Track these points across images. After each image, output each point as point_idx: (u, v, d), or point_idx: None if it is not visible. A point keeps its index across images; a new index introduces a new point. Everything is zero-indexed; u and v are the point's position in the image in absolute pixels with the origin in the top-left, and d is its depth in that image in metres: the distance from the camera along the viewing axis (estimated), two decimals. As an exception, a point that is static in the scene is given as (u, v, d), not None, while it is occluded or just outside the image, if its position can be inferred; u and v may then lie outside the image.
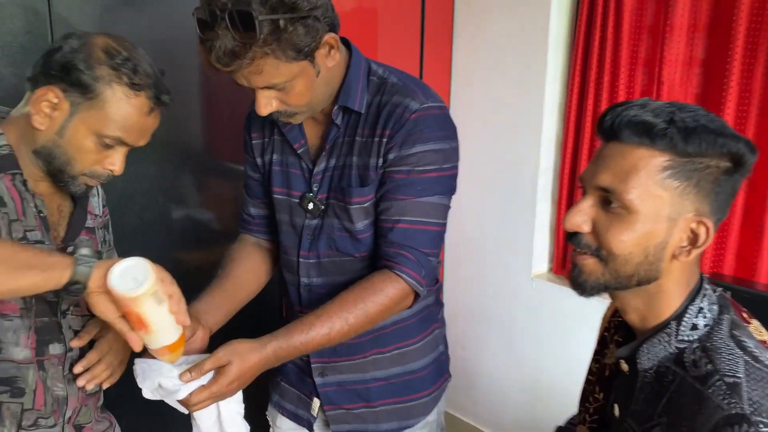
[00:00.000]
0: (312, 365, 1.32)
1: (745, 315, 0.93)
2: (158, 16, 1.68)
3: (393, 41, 2.25)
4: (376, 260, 1.20)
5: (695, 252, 0.85)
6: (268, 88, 1.06)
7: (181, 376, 1.02)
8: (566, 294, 2.22)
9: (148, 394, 1.05)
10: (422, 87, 1.19)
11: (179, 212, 1.82)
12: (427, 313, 1.35)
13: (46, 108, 0.97)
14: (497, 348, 2.49)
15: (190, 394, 1.02)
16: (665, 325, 0.87)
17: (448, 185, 1.20)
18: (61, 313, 1.09)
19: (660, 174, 0.81)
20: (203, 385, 1.03)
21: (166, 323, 0.95)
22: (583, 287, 0.89)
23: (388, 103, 1.16)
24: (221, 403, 1.08)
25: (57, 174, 1.02)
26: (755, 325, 0.92)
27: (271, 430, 1.49)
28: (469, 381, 2.63)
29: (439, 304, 1.40)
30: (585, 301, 2.36)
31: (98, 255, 1.15)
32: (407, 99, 1.15)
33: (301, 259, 1.27)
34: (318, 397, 1.34)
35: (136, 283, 0.88)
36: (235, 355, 1.05)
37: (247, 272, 1.33)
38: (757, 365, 0.80)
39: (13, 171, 1.00)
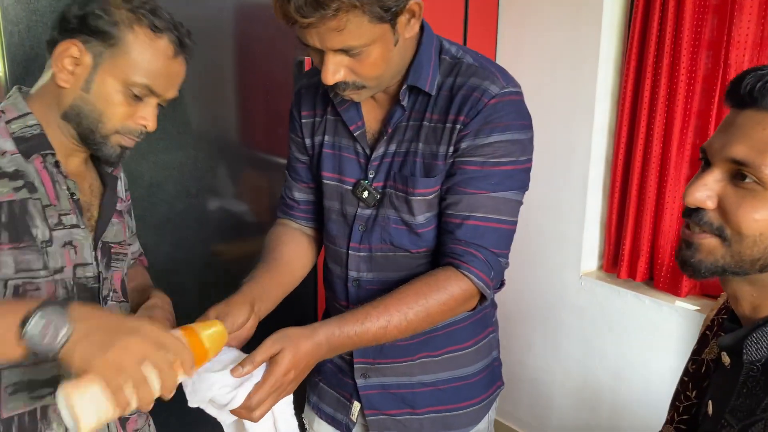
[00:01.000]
0: (354, 365, 1.21)
1: None
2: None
3: (434, 21, 2.13)
4: (440, 257, 1.10)
5: None
6: (342, 51, 0.96)
7: (232, 371, 0.91)
8: (616, 293, 2.09)
9: (195, 404, 0.93)
10: (501, 70, 1.09)
11: (211, 203, 1.75)
12: (482, 315, 1.23)
13: (69, 64, 0.94)
14: (542, 349, 2.37)
15: (248, 396, 0.90)
16: None
17: (522, 180, 1.10)
18: (102, 299, 1.05)
19: None
20: (258, 383, 0.91)
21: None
22: (696, 268, 0.78)
23: (463, 86, 1.06)
24: (275, 408, 0.96)
25: (89, 136, 0.97)
26: None
27: None
28: (511, 383, 2.50)
29: (494, 305, 1.29)
30: (636, 302, 2.23)
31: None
32: (486, 82, 1.05)
33: (351, 252, 1.17)
34: (359, 400, 1.23)
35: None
36: (286, 341, 0.94)
37: (295, 258, 1.22)
38: None
39: (44, 152, 0.96)
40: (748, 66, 1.80)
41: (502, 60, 2.34)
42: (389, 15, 0.94)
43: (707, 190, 0.75)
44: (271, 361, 0.93)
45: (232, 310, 1.02)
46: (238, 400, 0.90)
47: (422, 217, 1.10)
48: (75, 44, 0.93)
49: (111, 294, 1.07)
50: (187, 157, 1.67)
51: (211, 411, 0.95)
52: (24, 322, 0.74)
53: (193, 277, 1.74)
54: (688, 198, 0.76)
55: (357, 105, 1.13)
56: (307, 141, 1.21)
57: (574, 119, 2.14)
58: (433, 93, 1.07)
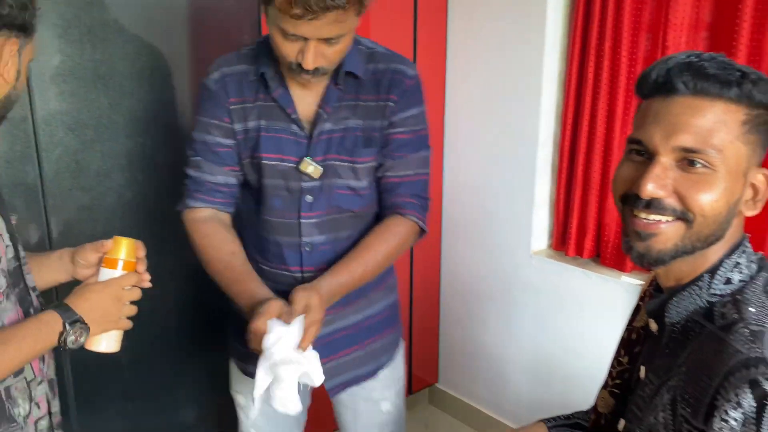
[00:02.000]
0: None
1: None
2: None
3: (385, 6, 2.15)
4: (384, 210, 1.37)
5: (760, 204, 0.83)
6: (326, 41, 1.13)
7: (282, 318, 1.14)
8: (566, 270, 2.15)
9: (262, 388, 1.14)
10: (404, 57, 1.35)
11: (159, 191, 1.74)
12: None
13: None
14: (496, 326, 2.43)
15: (303, 339, 1.13)
16: (698, 278, 0.84)
17: (428, 139, 1.39)
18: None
19: (741, 128, 0.78)
20: (305, 327, 1.14)
21: None
22: (660, 256, 0.83)
23: (387, 70, 1.29)
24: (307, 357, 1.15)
25: None
26: None
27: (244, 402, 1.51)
28: (467, 360, 2.57)
29: None
30: (584, 278, 2.30)
31: None
32: (402, 66, 1.30)
33: (302, 220, 1.31)
34: None
35: None
36: (311, 292, 1.19)
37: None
38: None
39: None
40: (684, 48, 1.86)
41: (453, 47, 2.37)
42: (364, 9, 1.12)
43: (661, 181, 0.80)
44: (307, 308, 1.16)
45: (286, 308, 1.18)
46: (286, 346, 1.11)
47: (366, 181, 1.32)
48: None
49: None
50: (134, 145, 1.67)
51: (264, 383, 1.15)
52: (61, 336, 0.99)
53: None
54: (643, 192, 0.80)
55: (288, 92, 1.27)
56: (237, 126, 1.29)
57: (522, 103, 2.18)
58: (362, 77, 1.27)
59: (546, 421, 1.15)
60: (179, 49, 1.70)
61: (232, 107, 1.27)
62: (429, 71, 2.34)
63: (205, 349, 1.93)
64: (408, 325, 2.54)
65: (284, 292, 1.22)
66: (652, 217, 0.82)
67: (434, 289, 2.62)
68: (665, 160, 0.80)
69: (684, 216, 0.81)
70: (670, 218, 0.81)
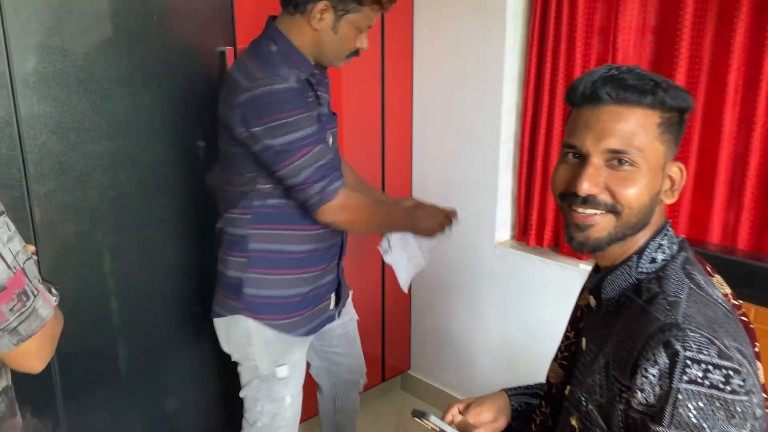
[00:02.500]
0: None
1: (709, 269, 1.03)
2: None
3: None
4: None
5: (676, 193, 0.97)
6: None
7: None
8: (528, 260, 2.28)
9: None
10: None
11: (140, 191, 1.81)
12: None
13: None
14: (464, 315, 2.56)
15: None
16: (628, 258, 0.98)
17: None
18: None
19: (657, 130, 0.92)
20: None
21: None
22: (597, 243, 0.97)
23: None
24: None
25: None
26: (718, 279, 1.03)
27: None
28: (437, 347, 2.69)
29: None
30: (544, 266, 2.43)
31: None
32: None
33: None
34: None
35: None
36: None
37: None
38: (700, 292, 0.91)
39: None
40: (633, 50, 2.00)
41: (419, 51, 2.47)
42: None
43: (594, 179, 0.94)
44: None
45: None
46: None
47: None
48: None
49: None
50: (116, 146, 1.74)
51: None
52: None
53: (124, 264, 1.82)
54: (581, 190, 0.94)
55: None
56: (314, 113, 1.54)
57: (484, 103, 2.30)
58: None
59: (507, 390, 1.27)
60: (156, 54, 1.77)
61: (309, 100, 1.53)
62: (397, 72, 2.44)
63: (190, 344, 2.01)
64: (381, 316, 2.65)
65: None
66: (588, 211, 0.95)
67: (405, 280, 2.73)
68: (596, 161, 0.93)
69: (614, 209, 0.94)
70: (602, 211, 0.95)
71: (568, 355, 1.14)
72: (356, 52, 1.60)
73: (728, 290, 1.03)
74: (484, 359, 2.52)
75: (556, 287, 2.22)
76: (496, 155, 2.30)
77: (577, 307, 1.15)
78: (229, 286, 1.64)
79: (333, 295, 1.78)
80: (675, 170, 0.97)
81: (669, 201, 0.98)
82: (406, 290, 1.83)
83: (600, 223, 0.95)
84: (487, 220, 2.39)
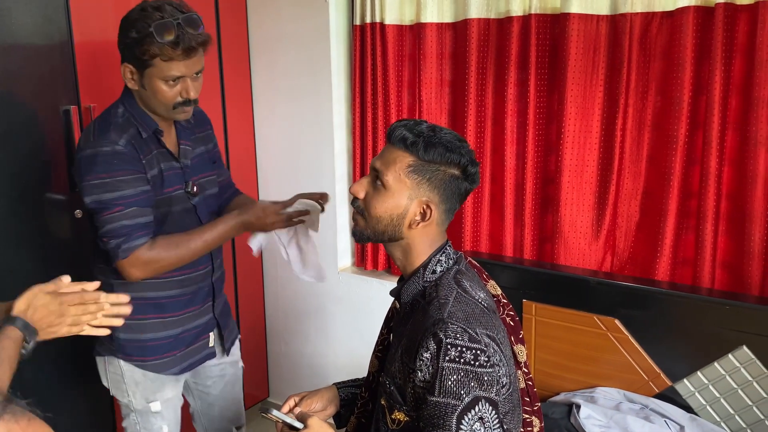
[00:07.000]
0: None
1: (485, 276, 1.35)
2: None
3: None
4: (225, 202, 1.94)
5: (423, 224, 1.24)
6: (195, 75, 1.58)
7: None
8: (366, 282, 2.59)
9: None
10: None
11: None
12: None
13: None
14: (316, 338, 2.80)
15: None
16: (416, 271, 1.27)
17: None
18: None
19: (406, 169, 1.22)
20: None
21: None
22: (355, 235, 1.30)
23: (197, 111, 1.79)
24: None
25: None
26: (492, 284, 1.36)
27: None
28: (293, 371, 2.91)
29: None
30: (380, 286, 2.76)
31: None
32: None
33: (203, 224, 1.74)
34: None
35: None
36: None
37: None
38: (465, 295, 1.21)
39: None
40: (434, 100, 2.39)
41: (258, 102, 2.74)
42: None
43: (361, 186, 1.26)
44: None
45: None
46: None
47: (220, 184, 1.89)
48: None
49: None
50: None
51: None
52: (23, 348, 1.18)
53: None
54: (350, 190, 1.27)
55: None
56: (150, 173, 1.63)
57: (319, 145, 2.60)
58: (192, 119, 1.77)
59: (337, 384, 1.53)
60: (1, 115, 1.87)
61: (144, 161, 1.61)
62: (238, 120, 2.68)
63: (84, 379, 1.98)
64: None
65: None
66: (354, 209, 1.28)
67: (259, 311, 2.94)
68: (369, 176, 1.27)
69: (363, 213, 1.26)
70: (358, 212, 1.27)
71: (381, 348, 1.42)
72: (187, 102, 1.60)
73: (500, 291, 1.36)
74: (336, 376, 2.75)
75: (390, 303, 2.53)
76: (333, 192, 2.60)
77: (390, 310, 1.44)
78: None
79: (212, 334, 1.87)
80: (426, 209, 1.22)
81: (420, 228, 1.23)
82: (312, 280, 2.02)
83: (359, 221, 1.27)
84: (330, 250, 2.67)
